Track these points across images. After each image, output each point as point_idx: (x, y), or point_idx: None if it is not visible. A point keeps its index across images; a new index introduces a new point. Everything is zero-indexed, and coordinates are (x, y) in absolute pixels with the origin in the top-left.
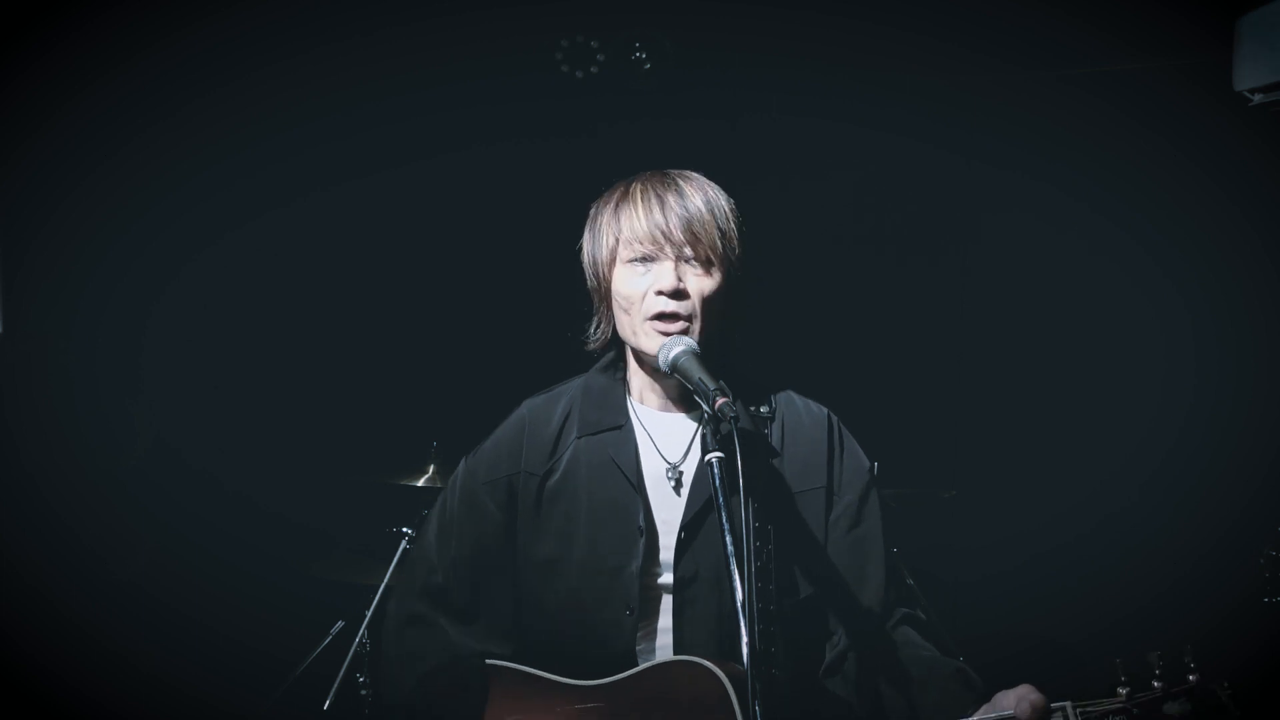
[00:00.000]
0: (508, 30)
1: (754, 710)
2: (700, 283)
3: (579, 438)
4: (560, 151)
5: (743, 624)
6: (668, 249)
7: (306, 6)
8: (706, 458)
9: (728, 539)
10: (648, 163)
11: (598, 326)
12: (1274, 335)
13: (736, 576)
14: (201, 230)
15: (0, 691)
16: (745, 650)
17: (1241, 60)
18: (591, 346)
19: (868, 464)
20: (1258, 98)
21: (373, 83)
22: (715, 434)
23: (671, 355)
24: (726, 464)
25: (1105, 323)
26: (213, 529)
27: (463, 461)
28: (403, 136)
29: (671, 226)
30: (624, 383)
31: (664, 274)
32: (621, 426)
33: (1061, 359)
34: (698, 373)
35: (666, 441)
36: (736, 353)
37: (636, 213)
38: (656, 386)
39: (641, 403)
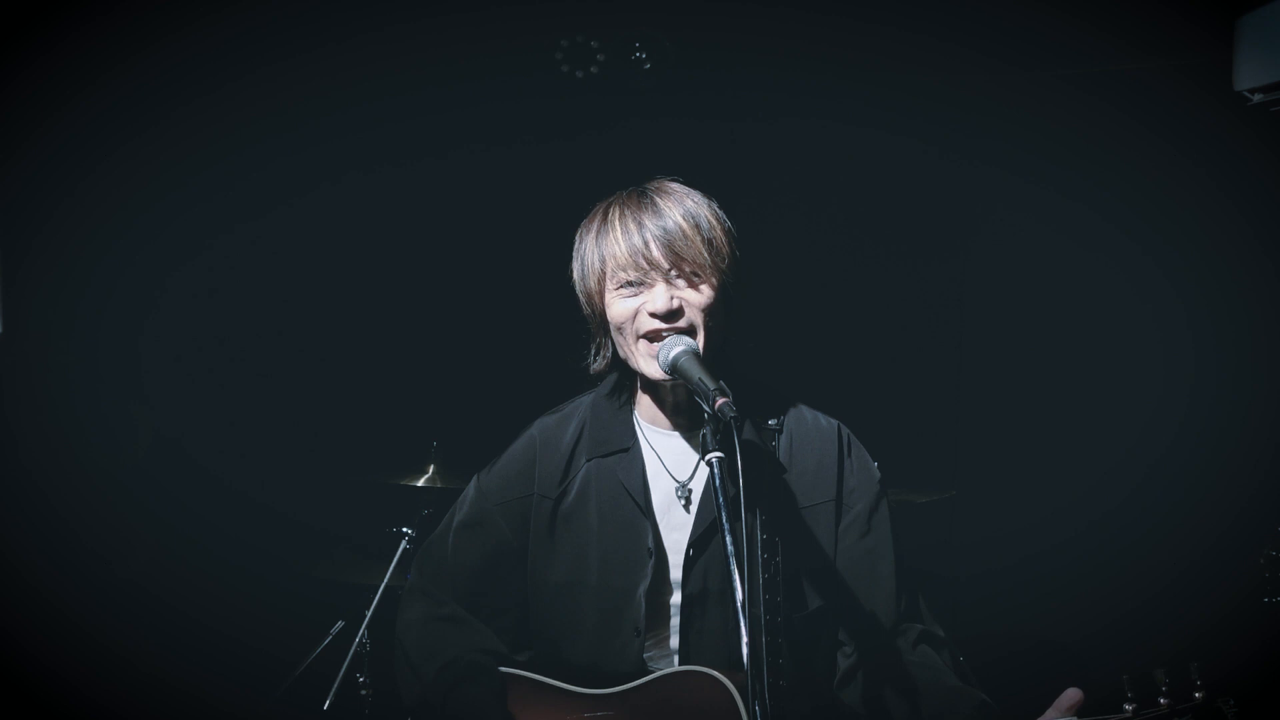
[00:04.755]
0: (508, 30)
1: (754, 709)
2: (693, 297)
3: (589, 460)
4: (560, 152)
5: (743, 622)
6: (654, 273)
7: (307, 7)
8: (706, 457)
9: (728, 538)
10: (647, 163)
11: (597, 352)
12: (1273, 335)
13: (736, 575)
14: (201, 230)
15: (0, 691)
16: (745, 649)
17: (1241, 60)
18: (594, 371)
19: (878, 475)
20: (1258, 97)
21: (373, 82)
22: (715, 434)
23: (671, 355)
24: (727, 463)
25: (1104, 322)
26: (213, 528)
27: (474, 480)
28: (403, 136)
29: (653, 250)
30: (631, 402)
31: (656, 296)
32: (629, 449)
33: (1061, 359)
34: (697, 373)
35: (674, 461)
36: (740, 356)
37: (617, 239)
38: (662, 406)
39: (649, 423)
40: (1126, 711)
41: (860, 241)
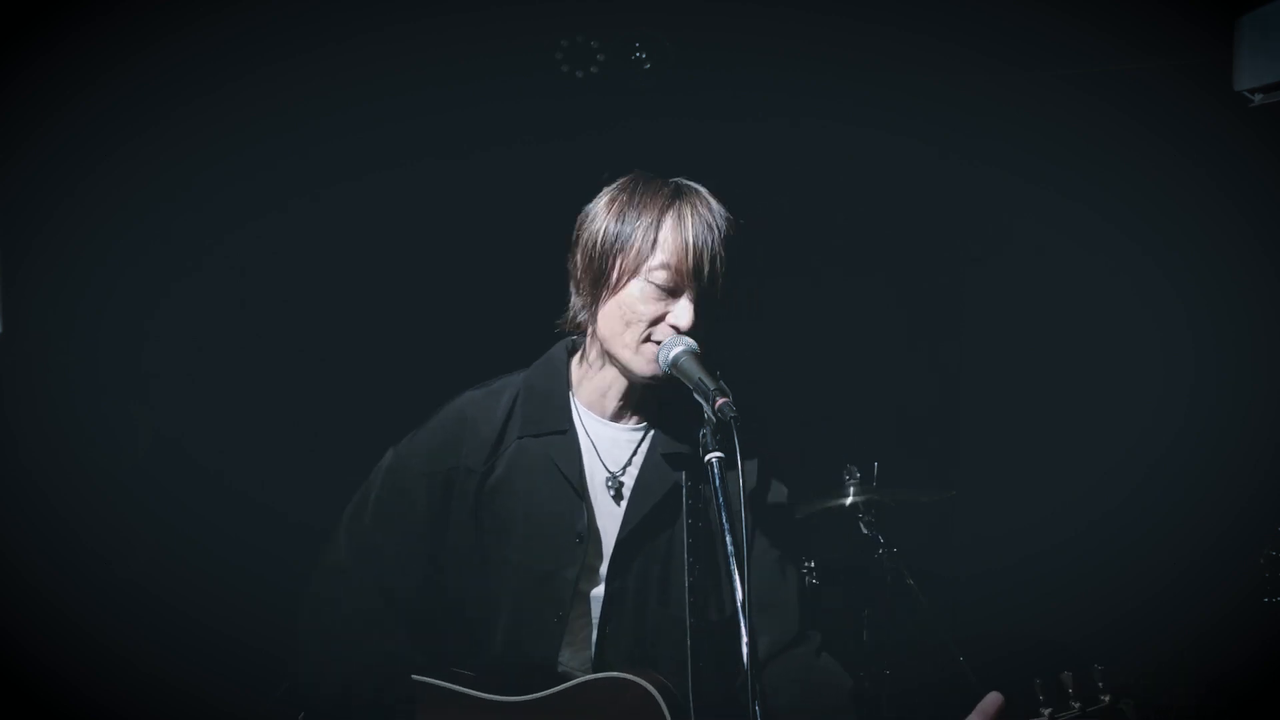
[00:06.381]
0: (508, 30)
1: (754, 710)
2: (702, 310)
3: (521, 437)
4: (560, 152)
5: (743, 624)
6: (687, 283)
7: (307, 7)
8: (706, 458)
9: (728, 539)
10: (647, 163)
11: (578, 313)
12: (1273, 335)
13: (737, 577)
14: (201, 230)
15: (0, 691)
16: (745, 650)
17: (1241, 60)
18: (561, 328)
19: (787, 489)
20: (1258, 98)
21: (373, 82)
22: (715, 434)
23: (671, 355)
24: (719, 464)
25: (1104, 323)
26: (213, 528)
27: (390, 451)
28: (403, 137)
29: (703, 263)
30: (568, 385)
31: (684, 311)
32: (565, 431)
33: (1061, 359)
34: (697, 373)
35: (609, 450)
36: (719, 347)
37: (685, 241)
38: (609, 394)
39: (587, 409)
40: (1044, 715)
41: (860, 241)
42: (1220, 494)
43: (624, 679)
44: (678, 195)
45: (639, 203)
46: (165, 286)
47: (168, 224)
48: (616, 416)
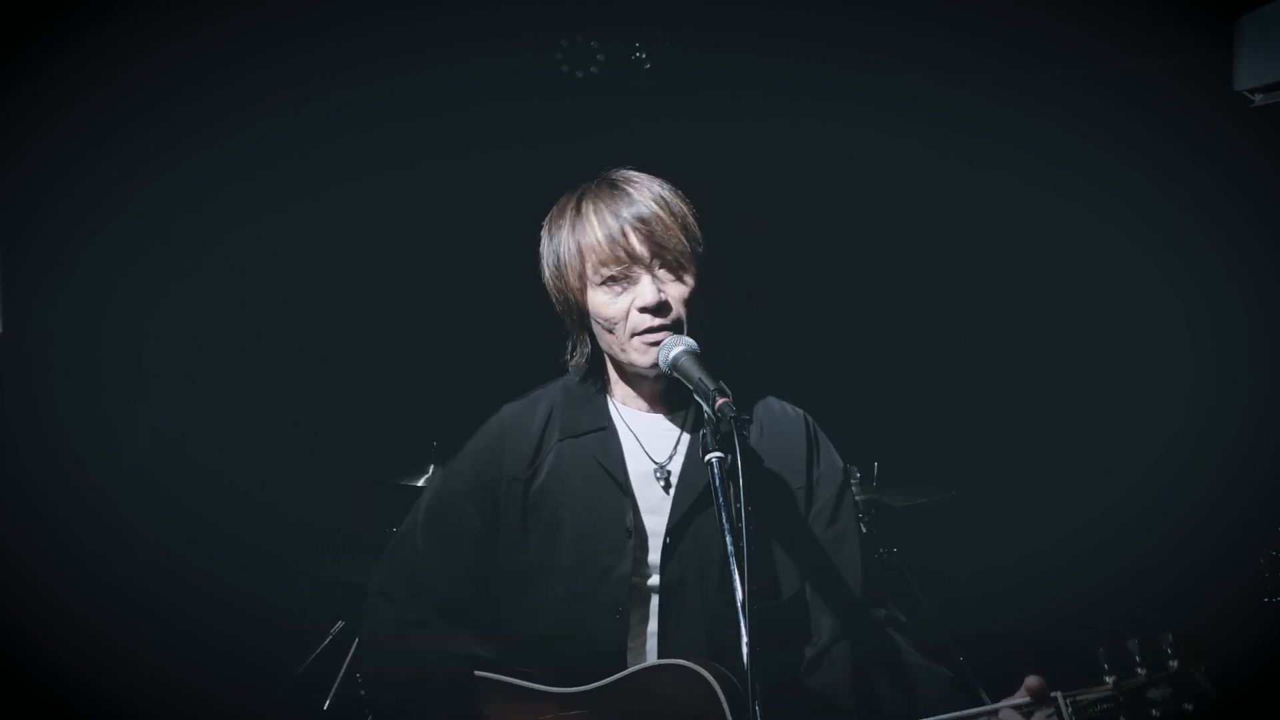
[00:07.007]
0: (508, 30)
1: (754, 710)
2: (678, 289)
3: (561, 440)
4: (560, 152)
5: (743, 624)
6: (636, 266)
7: (307, 7)
8: (706, 458)
9: (728, 539)
10: (648, 163)
11: (574, 349)
12: (1273, 335)
13: (736, 577)
14: (201, 230)
15: (0, 691)
16: (745, 650)
17: (1241, 60)
18: (573, 367)
19: (841, 464)
20: (1259, 98)
21: (373, 82)
22: (715, 434)
23: (671, 355)
24: (720, 464)
25: (1104, 323)
26: (213, 528)
27: (439, 473)
28: (403, 137)
29: (632, 240)
30: (605, 386)
31: (645, 291)
32: (605, 428)
33: (1061, 359)
34: (697, 373)
35: (652, 442)
36: (715, 346)
37: (596, 234)
38: (640, 389)
39: (624, 404)
40: (1107, 684)
41: (860, 241)
42: (1220, 494)
43: (680, 665)
44: (583, 194)
45: (556, 221)
46: (165, 286)
47: (168, 224)
48: (652, 408)
